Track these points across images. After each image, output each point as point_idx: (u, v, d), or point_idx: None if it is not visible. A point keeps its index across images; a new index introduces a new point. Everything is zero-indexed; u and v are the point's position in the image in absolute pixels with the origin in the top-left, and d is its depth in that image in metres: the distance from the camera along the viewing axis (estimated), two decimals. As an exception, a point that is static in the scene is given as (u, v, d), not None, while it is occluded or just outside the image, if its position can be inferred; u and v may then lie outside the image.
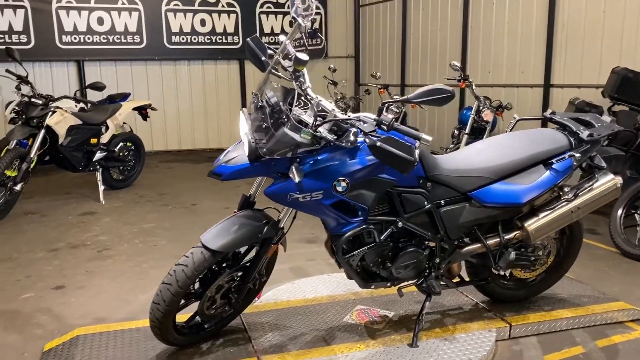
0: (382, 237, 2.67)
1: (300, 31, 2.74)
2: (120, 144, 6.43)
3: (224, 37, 9.64)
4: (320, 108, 2.48)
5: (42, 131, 5.45)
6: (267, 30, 9.94)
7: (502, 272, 2.98)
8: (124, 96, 7.98)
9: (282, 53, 2.56)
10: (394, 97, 7.80)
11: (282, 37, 2.78)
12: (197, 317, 2.76)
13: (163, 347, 2.79)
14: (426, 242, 2.84)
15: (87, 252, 4.52)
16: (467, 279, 3.21)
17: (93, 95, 8.64)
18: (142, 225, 5.29)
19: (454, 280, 3.07)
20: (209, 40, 9.56)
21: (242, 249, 2.77)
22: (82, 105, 6.29)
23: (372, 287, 2.86)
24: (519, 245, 3.04)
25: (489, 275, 3.06)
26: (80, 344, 2.85)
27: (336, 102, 8.75)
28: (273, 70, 2.61)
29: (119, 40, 8.98)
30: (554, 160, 2.84)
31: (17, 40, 8.35)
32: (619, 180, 2.95)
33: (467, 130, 6.51)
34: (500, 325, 3.07)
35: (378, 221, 2.69)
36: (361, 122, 2.36)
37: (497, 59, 7.77)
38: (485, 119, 6.47)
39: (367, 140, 2.32)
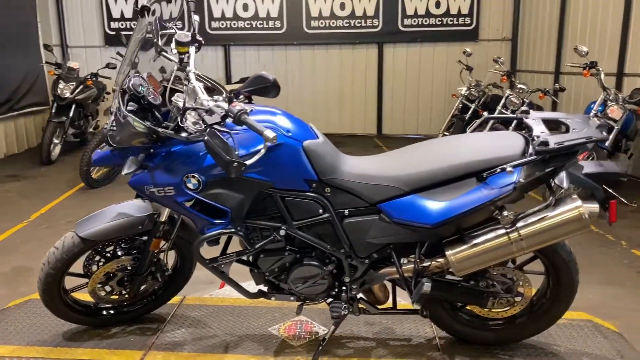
0: (257, 245, 2.36)
1: (189, 8, 2.56)
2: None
3: (363, 20, 9.44)
4: (196, 95, 2.28)
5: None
6: (410, 12, 9.44)
7: (415, 306, 2.40)
8: (254, 79, 8.37)
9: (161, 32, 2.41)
10: (519, 85, 6.83)
11: (195, 17, 2.63)
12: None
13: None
14: (332, 257, 2.44)
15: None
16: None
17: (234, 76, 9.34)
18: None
19: (382, 306, 2.59)
20: (347, 24, 9.44)
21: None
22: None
23: (273, 298, 2.56)
24: (468, 276, 2.44)
25: (425, 307, 2.49)
26: (24, 307, 3.08)
27: (469, 90, 7.99)
28: (164, 53, 2.47)
29: (262, 26, 9.40)
30: (485, 174, 2.18)
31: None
32: (587, 209, 2.14)
33: (584, 129, 5.39)
34: (435, 371, 2.51)
35: (265, 226, 2.38)
36: (209, 113, 2.10)
37: (661, 42, 6.26)
38: (610, 116, 5.30)
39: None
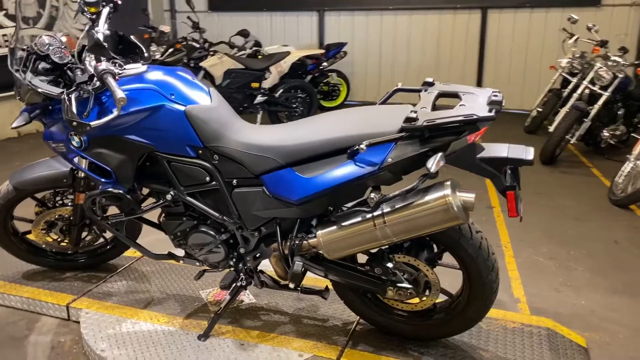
0: (145, 208, 2.38)
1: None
2: (281, 90, 6.75)
3: (466, -17, 8.77)
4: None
5: (201, 72, 6.23)
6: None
7: (290, 285, 2.25)
8: (340, 45, 8.33)
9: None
10: (612, 58, 5.93)
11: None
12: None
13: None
14: (228, 227, 2.38)
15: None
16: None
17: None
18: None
19: (283, 283, 2.47)
20: (448, -12, 8.86)
21: None
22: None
23: (181, 262, 2.58)
24: (371, 257, 2.24)
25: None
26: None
27: (571, 62, 7.12)
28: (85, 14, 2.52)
29: (357, -10, 9.17)
30: (349, 151, 1.94)
31: (272, -7, 9.44)
32: (455, 200, 1.81)
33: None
34: (328, 357, 2.36)
35: (156, 189, 2.39)
36: (80, 71, 2.14)
37: None
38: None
39: None
